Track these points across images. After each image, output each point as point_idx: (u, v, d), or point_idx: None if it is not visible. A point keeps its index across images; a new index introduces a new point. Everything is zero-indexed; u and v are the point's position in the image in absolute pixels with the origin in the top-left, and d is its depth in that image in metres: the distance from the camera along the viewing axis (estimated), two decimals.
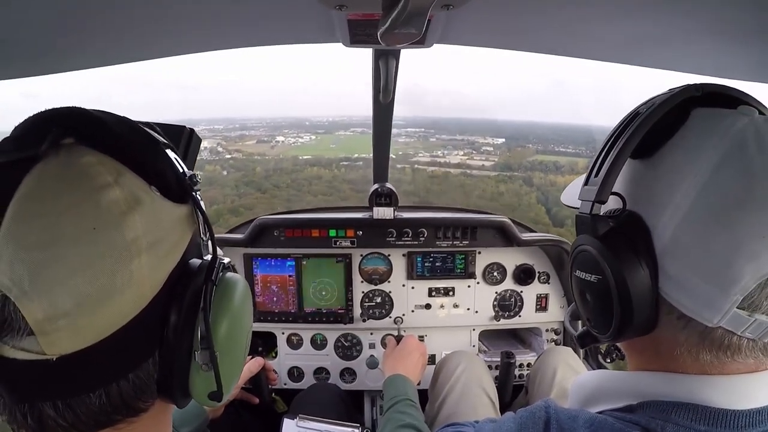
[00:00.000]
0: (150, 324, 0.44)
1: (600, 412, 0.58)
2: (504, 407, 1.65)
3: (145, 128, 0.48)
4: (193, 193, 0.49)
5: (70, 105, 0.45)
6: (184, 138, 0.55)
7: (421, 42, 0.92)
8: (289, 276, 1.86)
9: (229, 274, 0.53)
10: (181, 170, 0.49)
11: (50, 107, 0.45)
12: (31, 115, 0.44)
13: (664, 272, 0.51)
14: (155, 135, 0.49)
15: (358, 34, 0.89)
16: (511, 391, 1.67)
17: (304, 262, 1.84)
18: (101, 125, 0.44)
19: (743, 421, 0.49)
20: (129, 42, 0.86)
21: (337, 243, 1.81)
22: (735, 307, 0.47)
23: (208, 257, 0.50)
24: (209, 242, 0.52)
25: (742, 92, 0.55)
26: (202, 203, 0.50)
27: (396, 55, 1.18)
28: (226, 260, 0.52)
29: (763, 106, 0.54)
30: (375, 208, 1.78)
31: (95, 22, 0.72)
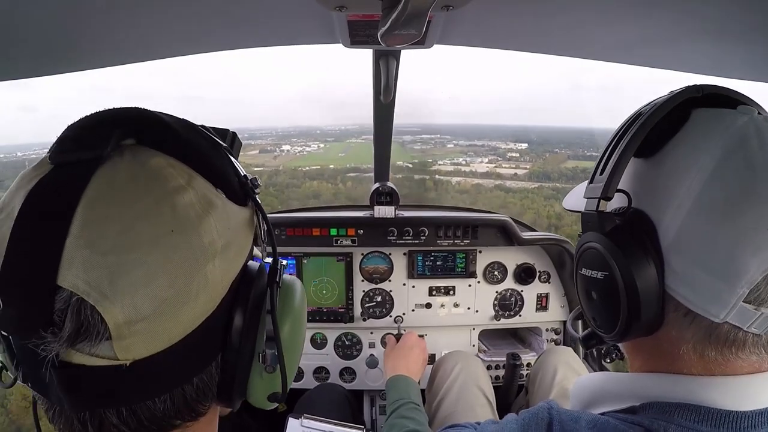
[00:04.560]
0: (216, 327, 0.43)
1: (602, 414, 0.58)
2: (505, 408, 1.65)
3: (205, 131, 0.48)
4: (254, 196, 0.49)
5: (131, 106, 0.44)
6: (227, 141, 0.54)
7: (421, 42, 0.92)
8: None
9: (287, 276, 0.53)
10: (242, 173, 0.49)
11: (110, 108, 0.43)
12: (87, 114, 0.43)
13: (670, 268, 0.51)
14: (216, 138, 0.48)
15: (358, 35, 0.89)
16: (516, 393, 1.67)
17: (305, 261, 1.85)
18: (166, 128, 0.43)
19: (746, 422, 0.49)
20: (128, 43, 0.86)
21: (338, 242, 1.82)
22: (741, 301, 0.47)
23: (268, 259, 0.50)
24: (269, 245, 0.51)
25: (741, 93, 0.56)
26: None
27: (396, 56, 1.17)
28: (284, 262, 0.52)
29: (761, 106, 0.55)
30: (376, 207, 1.78)
31: (94, 22, 0.72)
